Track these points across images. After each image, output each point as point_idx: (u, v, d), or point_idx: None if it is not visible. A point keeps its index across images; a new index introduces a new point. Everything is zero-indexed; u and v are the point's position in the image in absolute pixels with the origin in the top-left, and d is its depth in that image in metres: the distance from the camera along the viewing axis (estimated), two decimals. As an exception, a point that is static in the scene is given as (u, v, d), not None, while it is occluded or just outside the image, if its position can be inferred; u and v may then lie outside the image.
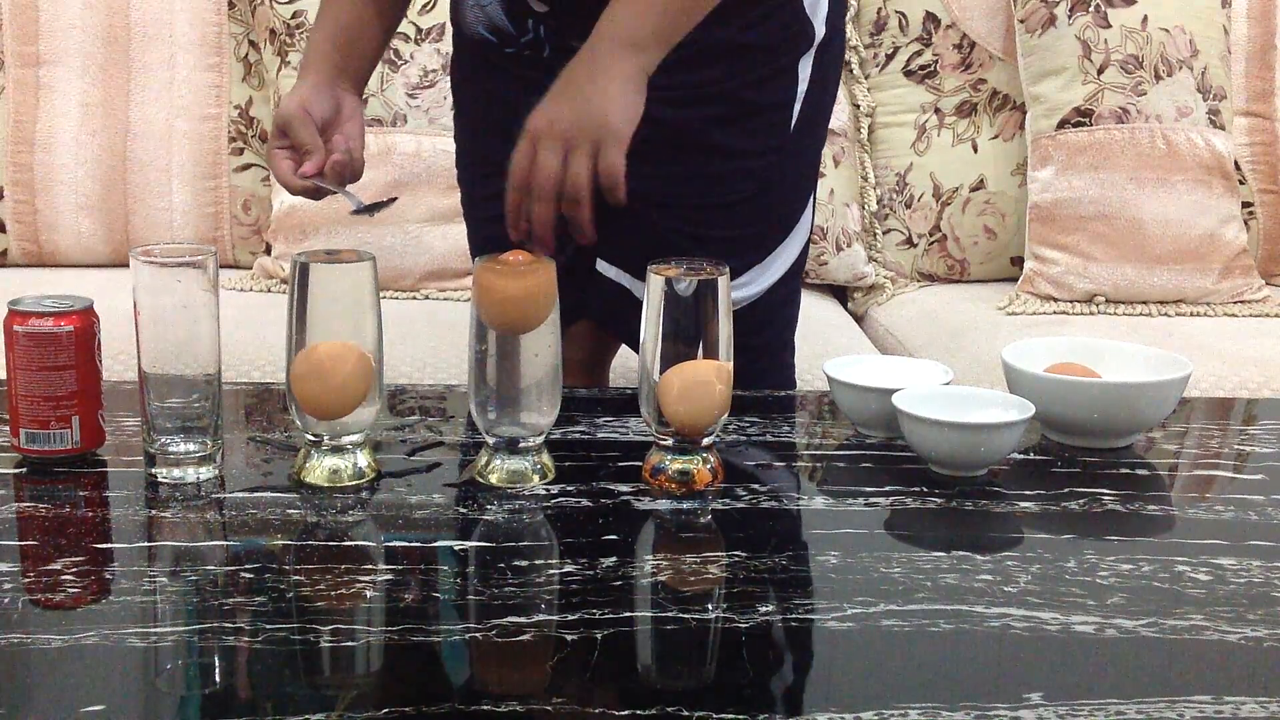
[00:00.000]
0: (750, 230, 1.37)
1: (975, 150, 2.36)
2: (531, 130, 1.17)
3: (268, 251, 2.29)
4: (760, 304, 1.40)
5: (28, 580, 0.90)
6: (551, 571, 0.92)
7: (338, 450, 1.06)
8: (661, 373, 1.05)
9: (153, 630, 0.83)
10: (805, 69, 1.34)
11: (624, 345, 1.51)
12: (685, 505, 1.05)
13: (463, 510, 1.02)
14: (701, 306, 1.03)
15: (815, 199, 1.46)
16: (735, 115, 1.32)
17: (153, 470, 1.06)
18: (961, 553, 0.97)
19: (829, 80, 1.38)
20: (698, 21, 1.21)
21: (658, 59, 1.20)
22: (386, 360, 1.08)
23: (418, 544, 0.96)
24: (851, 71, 2.39)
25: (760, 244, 1.38)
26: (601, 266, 1.38)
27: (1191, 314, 2.19)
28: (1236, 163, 2.26)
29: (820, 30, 1.35)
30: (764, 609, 0.87)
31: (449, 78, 1.55)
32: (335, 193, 1.27)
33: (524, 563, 0.93)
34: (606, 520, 1.01)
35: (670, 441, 1.07)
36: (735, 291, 1.35)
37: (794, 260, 1.42)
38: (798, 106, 1.35)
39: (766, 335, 1.43)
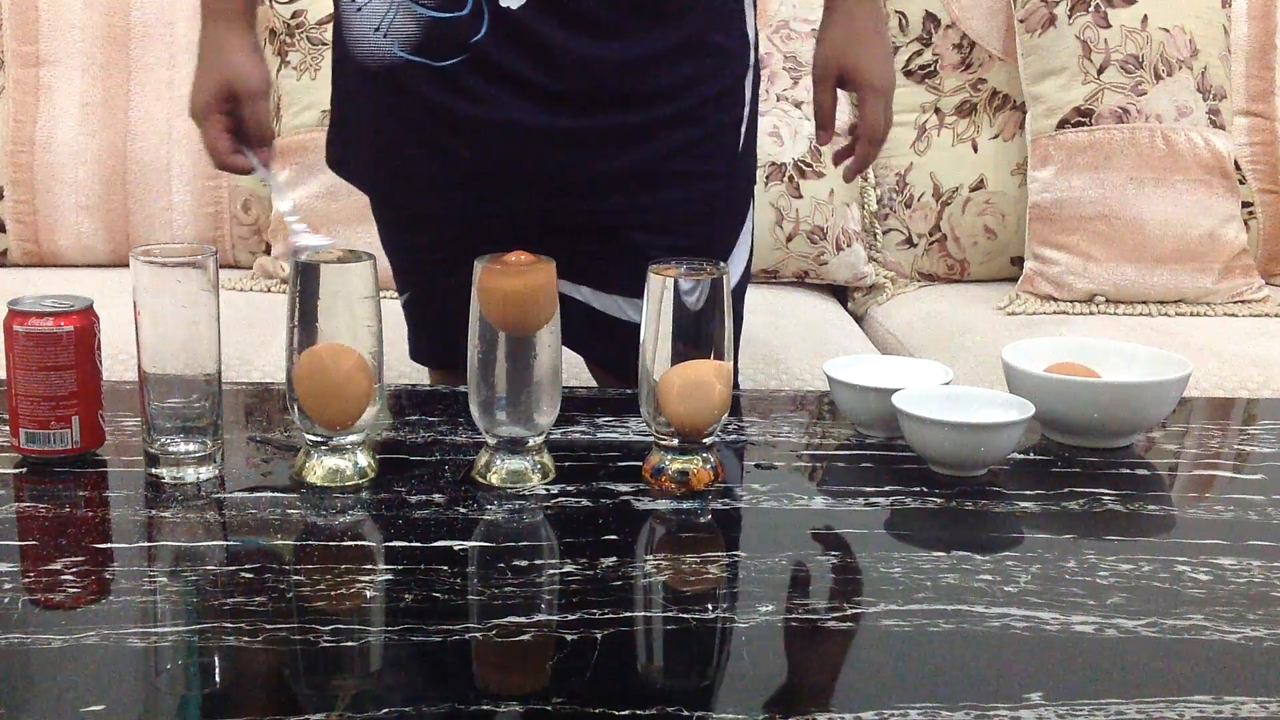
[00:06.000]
0: (708, 240, 1.39)
1: (975, 150, 2.36)
2: (883, 90, 1.38)
3: (268, 251, 2.29)
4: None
5: (28, 580, 0.90)
6: (551, 571, 0.92)
7: (338, 450, 1.06)
8: (662, 373, 1.05)
9: (153, 630, 0.83)
10: (748, 90, 1.38)
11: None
12: (685, 505, 1.05)
13: (463, 510, 1.02)
14: (703, 306, 1.03)
15: (754, 209, 1.49)
16: (698, 136, 1.33)
17: (153, 470, 1.06)
18: (961, 553, 0.97)
19: (756, 108, 1.42)
20: None
21: None
22: (386, 360, 1.08)
23: (418, 544, 0.96)
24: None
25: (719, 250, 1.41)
26: (563, 286, 1.38)
27: (1191, 314, 2.19)
28: (1236, 163, 2.26)
29: (753, 55, 1.39)
30: (764, 609, 0.87)
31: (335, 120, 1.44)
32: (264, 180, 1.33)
33: (524, 563, 0.93)
34: (606, 520, 1.01)
35: (670, 441, 1.07)
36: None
37: (746, 262, 1.45)
38: (743, 127, 1.38)
39: None
